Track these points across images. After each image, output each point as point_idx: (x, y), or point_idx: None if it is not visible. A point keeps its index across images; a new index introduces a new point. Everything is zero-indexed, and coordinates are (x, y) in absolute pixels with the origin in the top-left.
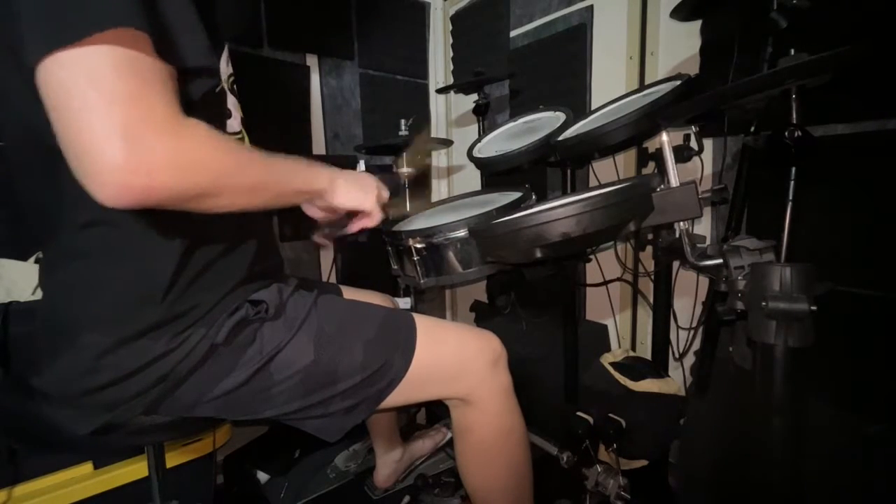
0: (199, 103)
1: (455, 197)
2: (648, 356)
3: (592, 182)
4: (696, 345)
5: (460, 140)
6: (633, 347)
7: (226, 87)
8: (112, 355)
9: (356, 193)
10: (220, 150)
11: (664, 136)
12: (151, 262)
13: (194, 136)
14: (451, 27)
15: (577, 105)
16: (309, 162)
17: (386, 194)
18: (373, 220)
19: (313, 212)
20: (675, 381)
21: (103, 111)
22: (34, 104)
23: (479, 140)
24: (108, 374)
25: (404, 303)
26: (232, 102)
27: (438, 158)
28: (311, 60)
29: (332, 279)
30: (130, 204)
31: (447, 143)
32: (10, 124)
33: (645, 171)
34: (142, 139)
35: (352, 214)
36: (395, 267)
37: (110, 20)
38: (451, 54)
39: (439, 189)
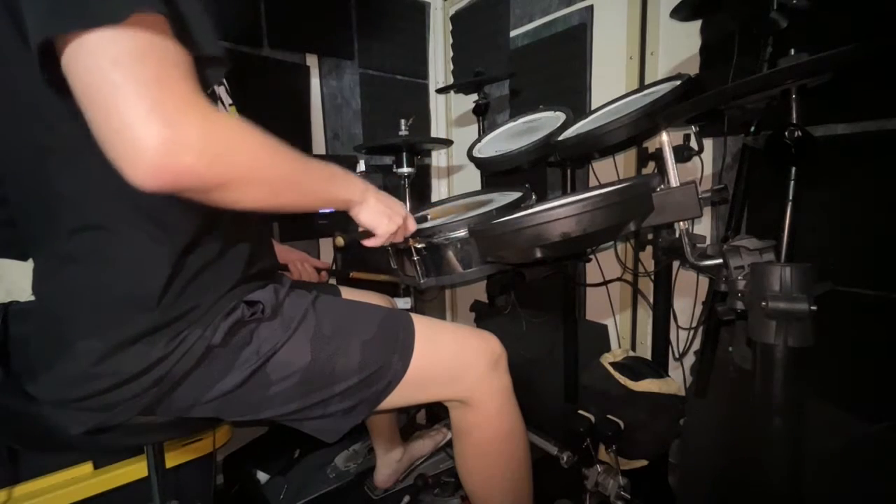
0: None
1: (455, 197)
2: (648, 356)
3: (592, 182)
4: (696, 345)
5: (460, 140)
6: (633, 347)
7: (215, 90)
8: (110, 361)
9: (379, 217)
10: (254, 138)
11: (664, 136)
12: (145, 266)
13: (226, 122)
14: (451, 27)
15: (577, 105)
16: (345, 171)
17: (413, 227)
18: (374, 242)
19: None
20: (675, 381)
21: (133, 94)
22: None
23: (479, 140)
24: (107, 381)
25: (404, 303)
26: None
27: (438, 158)
28: (311, 60)
29: (332, 279)
30: (161, 186)
31: (447, 142)
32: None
33: (645, 171)
34: (174, 121)
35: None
36: (395, 267)
37: (131, 6)
38: (451, 54)
39: (439, 189)
